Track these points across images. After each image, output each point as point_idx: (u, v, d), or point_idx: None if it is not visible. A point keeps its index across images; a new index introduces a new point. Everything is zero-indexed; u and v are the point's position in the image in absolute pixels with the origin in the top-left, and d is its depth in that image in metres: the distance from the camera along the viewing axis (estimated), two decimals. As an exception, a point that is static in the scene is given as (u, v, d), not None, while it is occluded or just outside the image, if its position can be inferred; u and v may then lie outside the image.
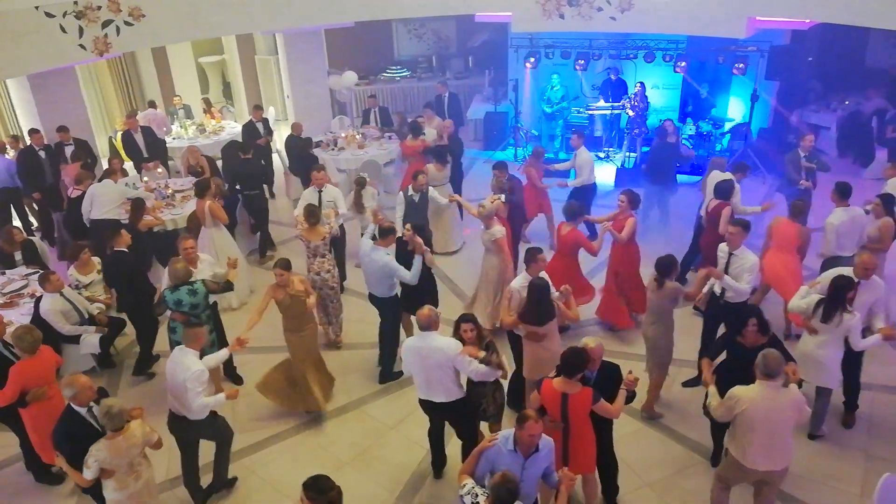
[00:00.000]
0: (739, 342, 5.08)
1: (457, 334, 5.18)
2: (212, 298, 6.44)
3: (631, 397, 4.81)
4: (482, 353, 5.01)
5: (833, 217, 6.95)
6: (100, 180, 8.63)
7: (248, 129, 10.95)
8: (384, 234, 6.42)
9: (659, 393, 6.28)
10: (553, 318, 5.65)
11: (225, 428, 5.46)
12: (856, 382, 5.98)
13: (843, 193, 6.97)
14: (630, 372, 4.78)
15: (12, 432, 5.64)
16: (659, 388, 6.23)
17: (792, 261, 6.93)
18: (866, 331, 5.63)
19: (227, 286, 6.51)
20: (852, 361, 5.79)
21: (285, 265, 5.95)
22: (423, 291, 6.59)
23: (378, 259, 6.36)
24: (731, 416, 4.57)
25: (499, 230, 7.01)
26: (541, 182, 9.03)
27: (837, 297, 5.36)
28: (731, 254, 6.12)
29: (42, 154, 9.53)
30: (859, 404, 6.08)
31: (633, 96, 11.47)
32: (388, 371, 6.88)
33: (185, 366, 4.91)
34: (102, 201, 8.39)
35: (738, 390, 4.53)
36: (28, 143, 9.73)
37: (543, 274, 5.88)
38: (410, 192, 8.21)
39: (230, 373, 6.99)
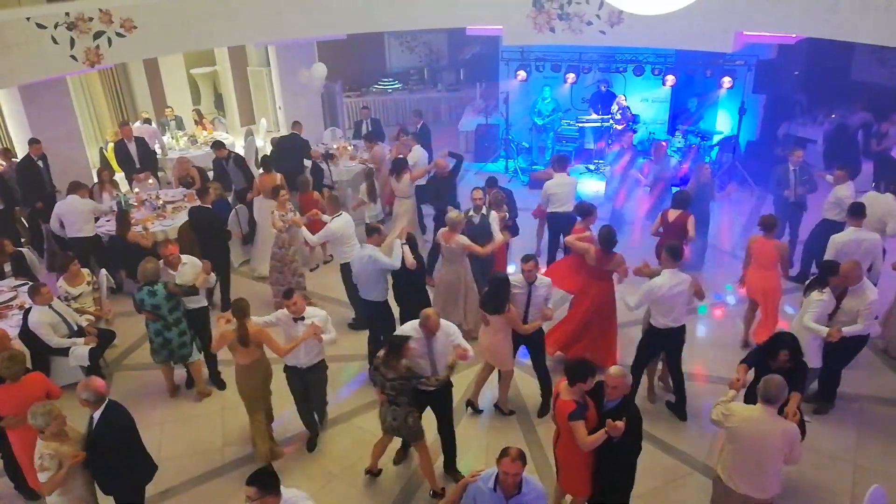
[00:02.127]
0: (769, 364, 5.00)
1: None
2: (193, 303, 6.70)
3: (629, 450, 4.56)
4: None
5: (840, 235, 6.98)
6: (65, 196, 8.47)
7: (291, 141, 10.66)
8: (370, 232, 6.74)
9: None
10: (499, 314, 5.95)
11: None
12: (832, 372, 6.09)
13: (854, 213, 6.99)
14: (624, 420, 4.37)
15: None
16: None
17: (772, 277, 7.03)
18: None
19: (191, 290, 6.58)
20: (832, 353, 5.91)
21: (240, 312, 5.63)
22: (415, 299, 6.79)
23: (365, 253, 6.63)
24: (721, 424, 4.56)
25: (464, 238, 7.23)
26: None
27: (820, 277, 5.92)
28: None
29: (40, 164, 9.49)
30: (836, 403, 6.21)
31: (617, 110, 11.62)
32: None
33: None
34: (71, 220, 8.26)
35: (736, 406, 4.56)
36: (12, 154, 9.72)
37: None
38: (471, 212, 7.65)
39: (214, 377, 7.07)
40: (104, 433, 4.65)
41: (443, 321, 5.51)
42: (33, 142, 9.53)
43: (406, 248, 6.75)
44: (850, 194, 7.80)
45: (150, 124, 12.40)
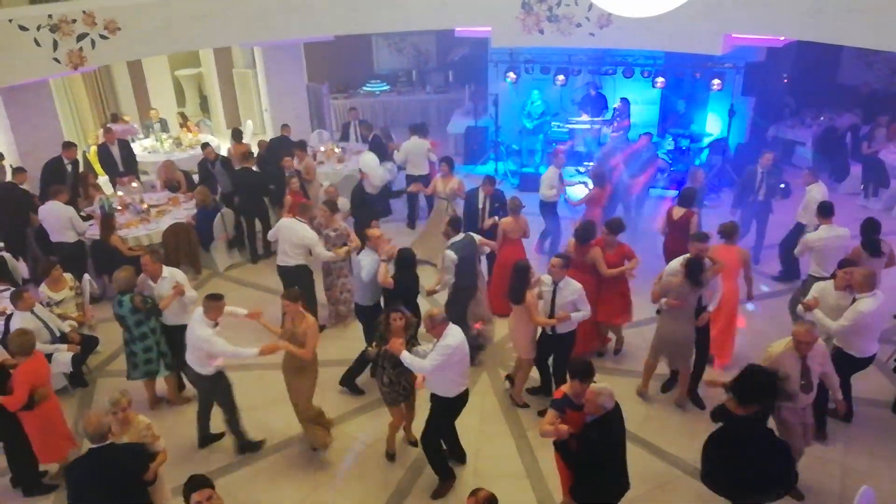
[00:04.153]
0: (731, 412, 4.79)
1: (386, 323, 5.50)
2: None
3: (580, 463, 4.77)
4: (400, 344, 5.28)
5: (814, 234, 6.96)
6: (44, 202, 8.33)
7: (280, 143, 10.60)
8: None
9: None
10: (517, 304, 6.12)
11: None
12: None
13: (824, 212, 6.98)
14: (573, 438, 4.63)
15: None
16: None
17: (731, 287, 6.65)
18: None
19: (154, 310, 6.33)
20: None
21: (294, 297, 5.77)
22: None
23: (360, 259, 6.62)
24: None
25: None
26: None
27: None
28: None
29: (69, 168, 9.51)
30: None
31: (615, 112, 11.58)
32: (349, 379, 6.88)
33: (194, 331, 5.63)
34: (52, 225, 8.14)
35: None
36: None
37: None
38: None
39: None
40: (78, 476, 4.31)
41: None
42: (68, 145, 9.63)
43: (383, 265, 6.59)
44: (821, 196, 7.74)
45: (117, 123, 12.29)
